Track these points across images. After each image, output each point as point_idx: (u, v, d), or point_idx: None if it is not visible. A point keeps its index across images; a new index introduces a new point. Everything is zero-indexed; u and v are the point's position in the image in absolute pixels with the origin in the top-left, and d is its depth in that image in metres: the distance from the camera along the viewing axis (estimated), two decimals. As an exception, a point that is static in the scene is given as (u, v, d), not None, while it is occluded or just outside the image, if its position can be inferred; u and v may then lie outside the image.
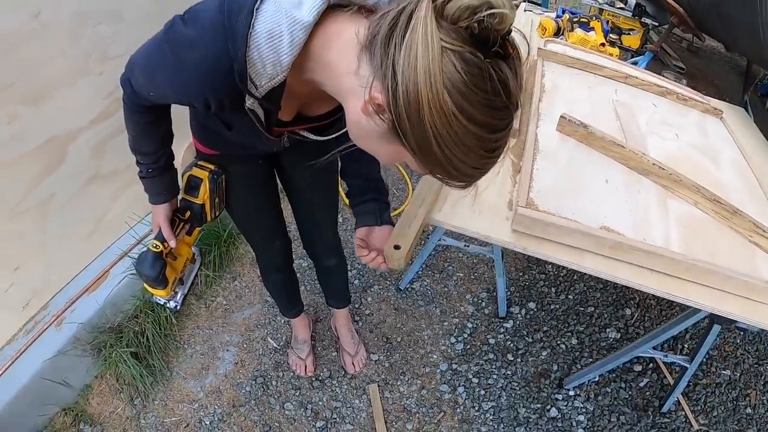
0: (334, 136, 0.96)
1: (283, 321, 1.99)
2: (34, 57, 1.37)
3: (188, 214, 1.14)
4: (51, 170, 1.53)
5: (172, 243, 1.09)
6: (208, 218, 1.17)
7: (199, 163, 1.13)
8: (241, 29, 0.66)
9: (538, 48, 1.90)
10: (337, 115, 0.93)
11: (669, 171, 1.28)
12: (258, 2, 0.66)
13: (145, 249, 1.08)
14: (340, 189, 1.49)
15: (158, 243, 1.07)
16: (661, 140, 1.53)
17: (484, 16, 0.51)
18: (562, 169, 1.28)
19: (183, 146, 1.63)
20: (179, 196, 1.15)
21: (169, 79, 0.75)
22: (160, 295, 1.16)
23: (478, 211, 1.13)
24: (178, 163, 1.14)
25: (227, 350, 1.89)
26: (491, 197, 1.17)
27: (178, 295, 1.22)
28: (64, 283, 1.73)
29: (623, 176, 1.31)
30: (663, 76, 2.98)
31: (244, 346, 1.91)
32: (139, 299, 1.83)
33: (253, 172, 1.22)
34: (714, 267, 1.06)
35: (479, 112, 0.56)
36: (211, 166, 1.12)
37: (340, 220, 2.29)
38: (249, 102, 0.74)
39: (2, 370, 1.50)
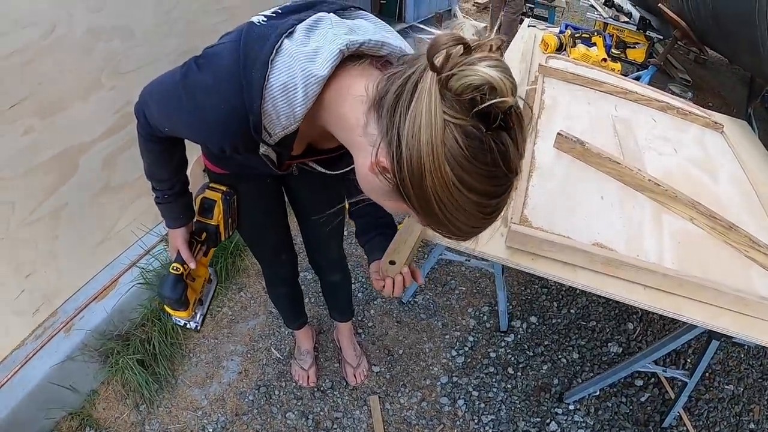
0: (341, 171, 0.97)
1: (286, 332, 2.01)
2: (49, 71, 1.43)
3: (204, 235, 1.15)
4: (63, 181, 1.57)
5: (192, 265, 1.11)
6: (223, 238, 1.18)
7: (210, 185, 1.14)
8: (257, 81, 0.66)
9: (540, 64, 1.93)
10: (344, 149, 0.94)
11: (664, 187, 1.29)
12: (273, 54, 0.67)
13: (165, 272, 1.09)
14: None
15: (178, 266, 1.08)
16: (658, 155, 1.54)
17: (485, 95, 0.52)
18: (558, 186, 1.30)
19: (191, 159, 1.67)
20: (194, 219, 1.17)
21: (184, 122, 0.77)
22: (181, 317, 1.16)
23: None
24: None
25: (231, 360, 1.92)
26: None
27: (198, 316, 1.22)
28: (74, 290, 1.77)
29: (619, 192, 1.32)
30: (669, 88, 3.00)
31: (248, 356, 1.94)
32: (146, 308, 1.87)
33: (261, 190, 1.23)
34: (706, 282, 1.07)
35: (478, 183, 0.58)
36: (223, 188, 1.14)
37: (345, 233, 2.32)
38: (263, 149, 0.75)
39: (11, 373, 1.53)
